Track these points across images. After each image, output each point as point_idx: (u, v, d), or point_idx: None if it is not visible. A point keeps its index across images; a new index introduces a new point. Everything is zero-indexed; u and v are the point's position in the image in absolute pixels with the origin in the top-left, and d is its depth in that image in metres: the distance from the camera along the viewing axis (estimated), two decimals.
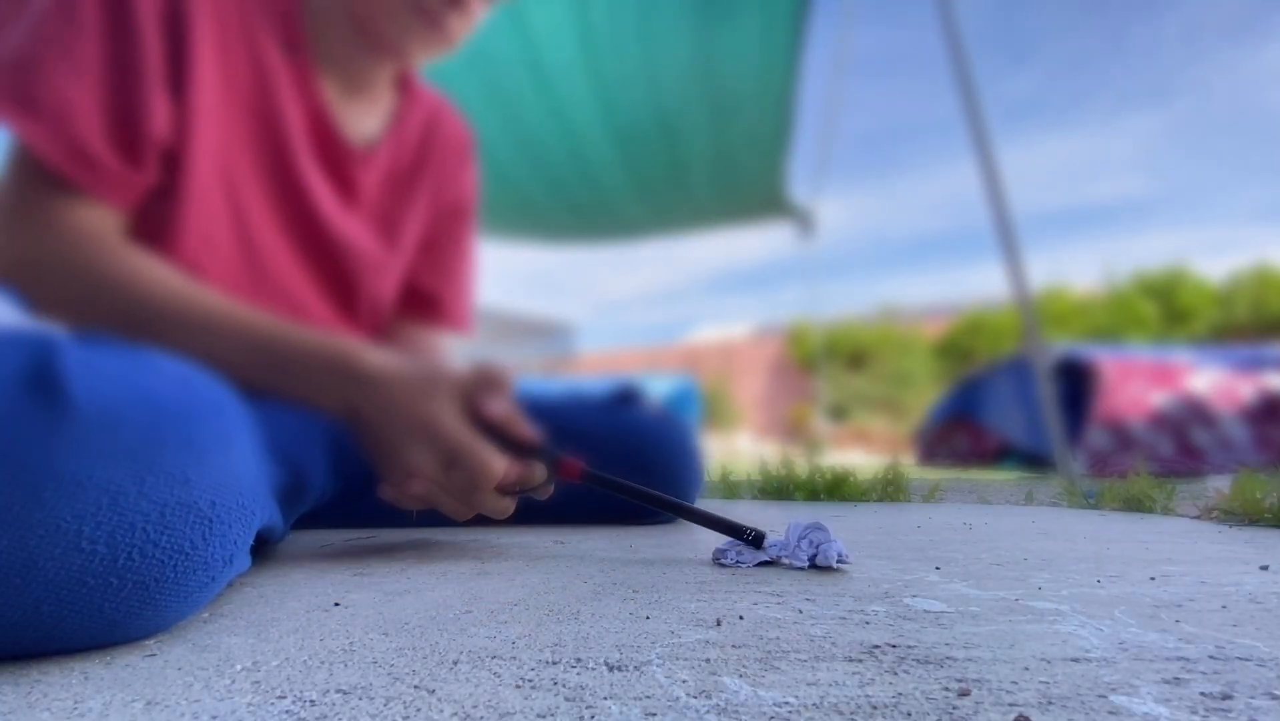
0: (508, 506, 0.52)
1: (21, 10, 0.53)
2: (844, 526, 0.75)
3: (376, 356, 0.52)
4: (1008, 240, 1.75)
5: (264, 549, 0.56)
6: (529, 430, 0.52)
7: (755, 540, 0.50)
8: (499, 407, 0.52)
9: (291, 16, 0.65)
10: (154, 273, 0.54)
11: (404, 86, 0.77)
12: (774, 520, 0.80)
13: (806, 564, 0.47)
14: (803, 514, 0.83)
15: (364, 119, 0.71)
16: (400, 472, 0.50)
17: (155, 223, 0.59)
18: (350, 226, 0.70)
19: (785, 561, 0.48)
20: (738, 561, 0.49)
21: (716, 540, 0.52)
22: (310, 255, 0.68)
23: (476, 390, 0.52)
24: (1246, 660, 0.28)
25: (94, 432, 0.27)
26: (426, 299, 0.82)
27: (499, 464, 0.49)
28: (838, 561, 0.47)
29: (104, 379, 0.28)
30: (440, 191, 0.80)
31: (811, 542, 0.48)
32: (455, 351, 0.89)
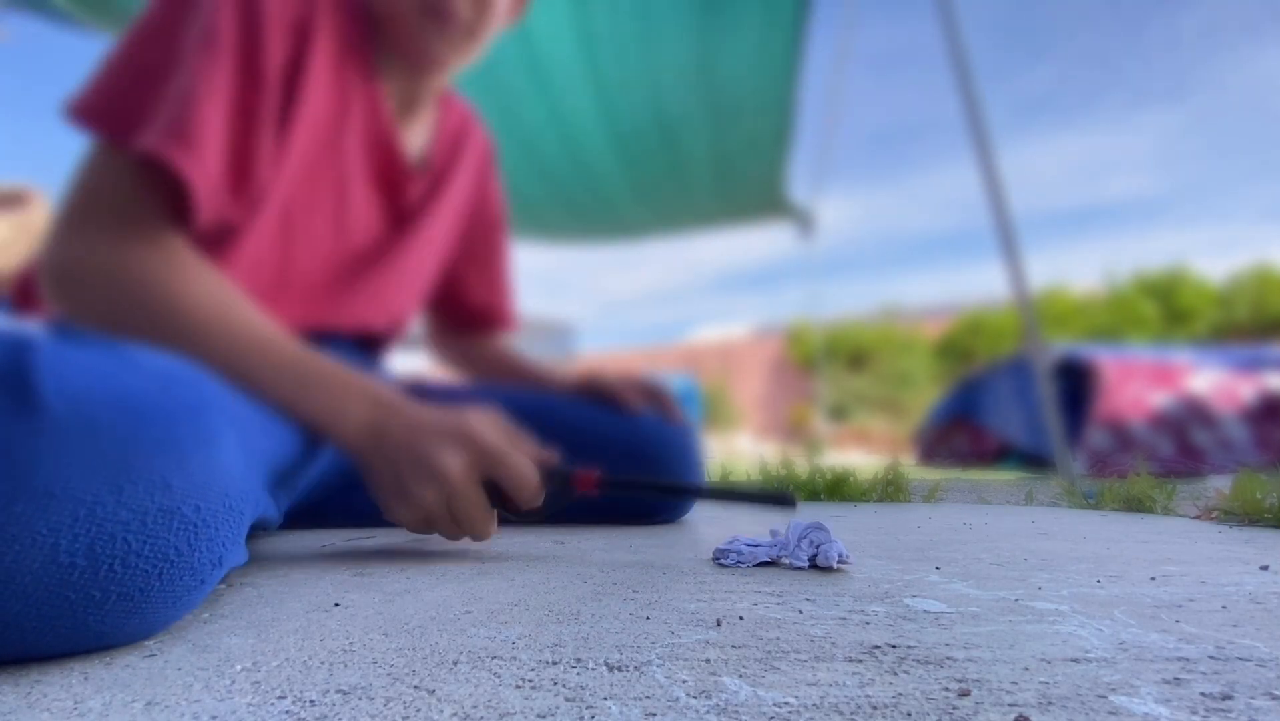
0: (494, 531, 0.54)
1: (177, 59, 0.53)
2: (844, 526, 0.75)
3: (399, 393, 0.53)
4: (1008, 240, 1.75)
5: (260, 535, 0.56)
6: (545, 455, 0.52)
7: (789, 501, 0.49)
8: (519, 459, 0.51)
9: (366, 47, 0.65)
10: (196, 282, 0.53)
11: (440, 100, 0.77)
12: (774, 520, 0.80)
13: (806, 564, 0.47)
14: (803, 513, 0.83)
15: (414, 136, 0.72)
16: (401, 507, 0.50)
17: (214, 243, 0.59)
18: (388, 240, 0.71)
19: (785, 561, 0.48)
20: (738, 562, 0.49)
21: (717, 540, 0.52)
22: (358, 263, 0.69)
23: (501, 450, 0.51)
24: (1246, 660, 0.28)
25: (67, 440, 0.26)
26: (487, 313, 0.88)
27: (491, 526, 0.51)
28: (838, 562, 0.47)
29: (78, 379, 0.27)
30: (473, 200, 0.83)
31: (812, 542, 0.48)
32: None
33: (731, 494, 0.50)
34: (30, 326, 0.55)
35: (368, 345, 0.78)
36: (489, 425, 0.51)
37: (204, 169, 0.52)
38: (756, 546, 0.50)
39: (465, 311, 0.88)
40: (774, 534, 0.51)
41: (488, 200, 0.86)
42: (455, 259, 0.84)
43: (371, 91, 0.66)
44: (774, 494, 0.48)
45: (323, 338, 0.69)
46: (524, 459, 0.50)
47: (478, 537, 0.53)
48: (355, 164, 0.66)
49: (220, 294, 0.54)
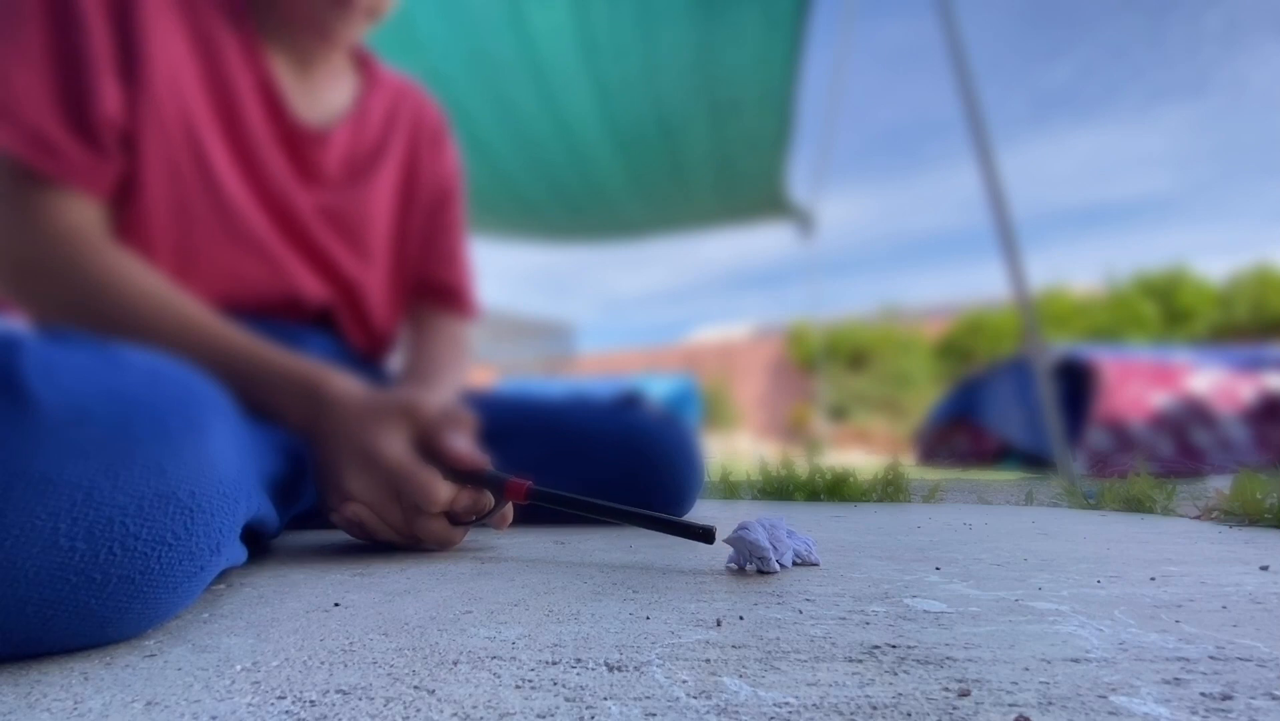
0: (453, 536, 0.54)
1: None
2: (844, 526, 0.75)
3: (342, 383, 0.53)
4: (1008, 240, 1.75)
5: (262, 544, 0.57)
6: (477, 459, 0.53)
7: (705, 535, 0.49)
8: (455, 442, 0.53)
9: None
10: (138, 278, 0.55)
11: (365, 70, 0.77)
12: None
13: (790, 564, 0.48)
14: (792, 513, 0.83)
15: (319, 101, 0.71)
16: (338, 498, 0.51)
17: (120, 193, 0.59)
18: (308, 201, 0.69)
19: (775, 564, 0.48)
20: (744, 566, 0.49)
21: (719, 541, 0.52)
22: (280, 222, 0.68)
23: (438, 424, 0.53)
24: (1246, 660, 0.28)
25: (59, 430, 0.26)
26: (439, 290, 0.83)
27: (443, 490, 0.50)
28: (793, 562, 0.48)
29: (67, 376, 0.28)
30: (414, 176, 0.80)
31: (780, 541, 0.48)
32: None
33: (657, 522, 0.50)
34: (15, 326, 0.56)
35: (370, 347, 0.78)
36: (396, 442, 0.51)
37: (23, 132, 0.52)
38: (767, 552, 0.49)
39: (419, 287, 0.83)
40: (746, 529, 0.50)
41: (438, 170, 0.83)
42: (406, 230, 0.80)
43: (247, 33, 0.65)
44: (697, 528, 0.49)
45: (296, 332, 0.68)
46: (427, 477, 0.50)
47: (435, 535, 0.52)
48: (252, 122, 0.64)
49: (151, 280, 0.55)
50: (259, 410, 0.52)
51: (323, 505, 0.54)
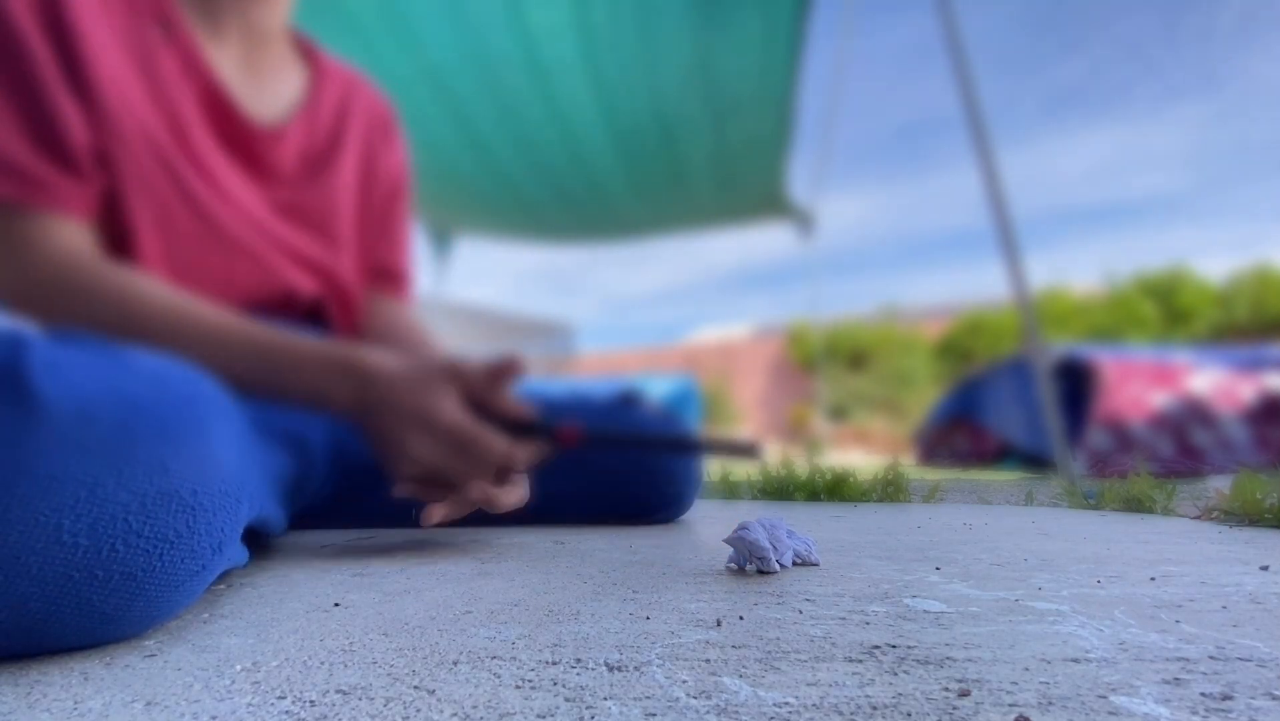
0: (520, 496, 0.55)
1: None
2: (844, 526, 0.75)
3: (377, 355, 0.54)
4: (1008, 240, 1.75)
5: (263, 542, 0.57)
6: (525, 409, 0.54)
7: (751, 451, 0.52)
8: (501, 397, 0.54)
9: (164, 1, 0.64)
10: (146, 288, 0.55)
11: (314, 64, 0.76)
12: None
13: (790, 564, 0.48)
14: (792, 513, 0.83)
15: (269, 98, 0.70)
16: (406, 466, 0.52)
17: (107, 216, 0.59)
18: (267, 200, 0.69)
19: (775, 564, 0.48)
20: (743, 566, 0.49)
21: (717, 540, 0.52)
22: (252, 223, 0.67)
23: (484, 382, 0.53)
24: (1246, 660, 0.28)
25: (65, 428, 0.27)
26: (389, 274, 0.84)
27: (501, 444, 0.51)
28: (793, 562, 0.48)
29: (72, 375, 0.28)
30: (371, 167, 0.81)
31: (780, 541, 0.48)
32: (465, 352, 0.89)
33: (703, 446, 0.56)
34: (24, 326, 0.56)
35: (354, 335, 0.78)
36: (451, 403, 0.52)
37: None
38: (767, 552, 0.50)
39: (369, 272, 0.83)
40: (746, 529, 0.50)
41: (389, 161, 0.84)
42: (365, 219, 0.81)
43: (188, 54, 0.64)
44: (741, 445, 0.54)
45: (292, 329, 0.68)
46: (486, 434, 0.51)
47: (499, 495, 0.53)
48: (201, 132, 0.64)
49: (159, 288, 0.55)
50: (302, 401, 0.52)
51: (388, 479, 0.54)
